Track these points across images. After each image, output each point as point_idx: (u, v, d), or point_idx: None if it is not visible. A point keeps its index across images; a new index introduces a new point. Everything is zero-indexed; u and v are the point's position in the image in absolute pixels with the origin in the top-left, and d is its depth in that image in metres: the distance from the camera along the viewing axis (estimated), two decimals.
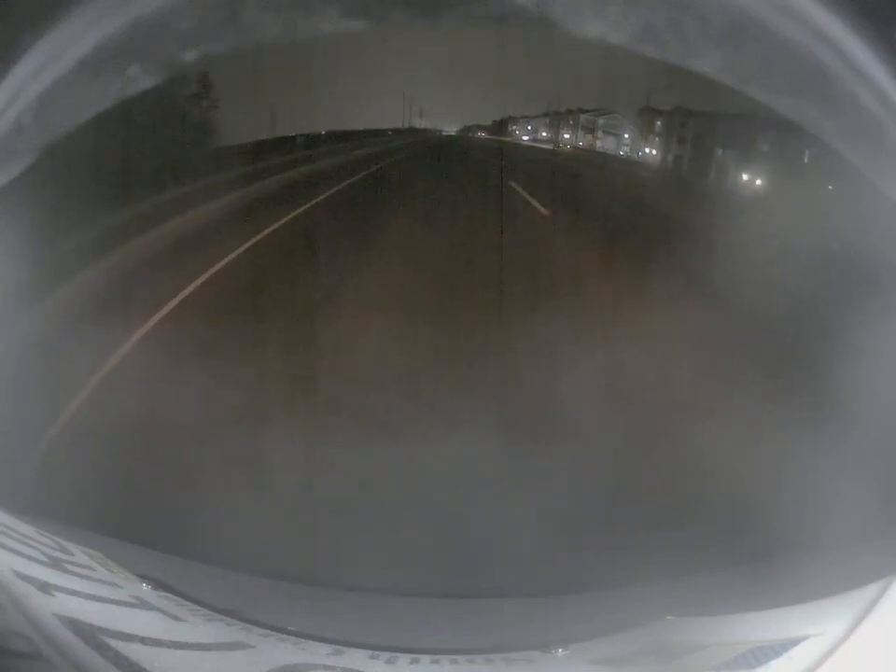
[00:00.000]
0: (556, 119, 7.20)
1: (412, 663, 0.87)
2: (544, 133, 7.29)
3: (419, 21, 0.55)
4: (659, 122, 6.59)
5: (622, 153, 6.81)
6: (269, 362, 2.85)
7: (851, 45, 0.53)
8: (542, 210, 5.23)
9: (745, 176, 5.98)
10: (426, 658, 0.88)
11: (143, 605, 0.88)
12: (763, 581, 1.01)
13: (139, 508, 1.87)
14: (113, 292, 3.41)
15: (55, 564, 0.85)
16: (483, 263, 3.91)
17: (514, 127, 7.40)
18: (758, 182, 5.89)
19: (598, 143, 6.87)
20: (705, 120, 6.25)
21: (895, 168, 0.56)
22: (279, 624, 0.92)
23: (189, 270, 3.71)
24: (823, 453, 2.07)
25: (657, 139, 6.61)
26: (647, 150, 6.70)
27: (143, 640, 0.77)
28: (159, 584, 0.94)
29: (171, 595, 0.93)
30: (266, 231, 4.53)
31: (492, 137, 7.34)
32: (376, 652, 0.87)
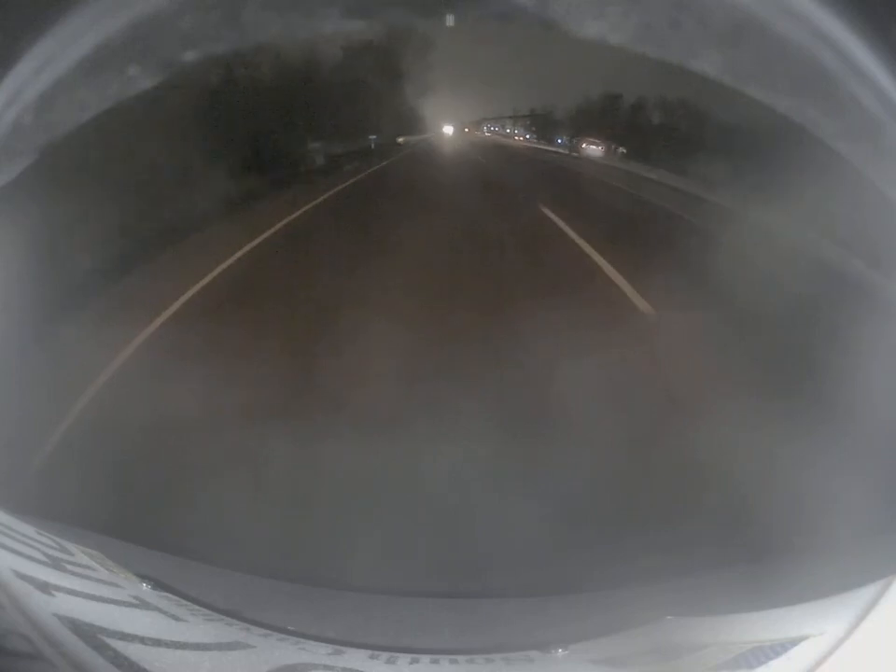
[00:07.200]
0: (489, 121, 15.30)
1: (412, 663, 0.86)
2: (495, 129, 15.28)
3: (419, 21, 0.55)
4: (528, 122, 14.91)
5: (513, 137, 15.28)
6: None
7: (851, 45, 0.53)
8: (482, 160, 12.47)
9: (584, 148, 12.73)
10: (426, 658, 0.88)
11: (143, 605, 0.87)
12: (763, 581, 1.01)
13: (139, 508, 1.87)
14: None
15: (55, 564, 0.85)
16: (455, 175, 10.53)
17: (483, 125, 15.33)
18: (577, 154, 12.80)
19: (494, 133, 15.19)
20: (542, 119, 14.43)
21: (895, 168, 0.56)
22: (279, 624, 0.92)
23: None
24: (822, 452, 2.07)
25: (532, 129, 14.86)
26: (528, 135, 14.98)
27: (143, 640, 0.77)
28: (159, 584, 0.94)
29: (171, 595, 0.93)
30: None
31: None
32: (376, 652, 0.87)
